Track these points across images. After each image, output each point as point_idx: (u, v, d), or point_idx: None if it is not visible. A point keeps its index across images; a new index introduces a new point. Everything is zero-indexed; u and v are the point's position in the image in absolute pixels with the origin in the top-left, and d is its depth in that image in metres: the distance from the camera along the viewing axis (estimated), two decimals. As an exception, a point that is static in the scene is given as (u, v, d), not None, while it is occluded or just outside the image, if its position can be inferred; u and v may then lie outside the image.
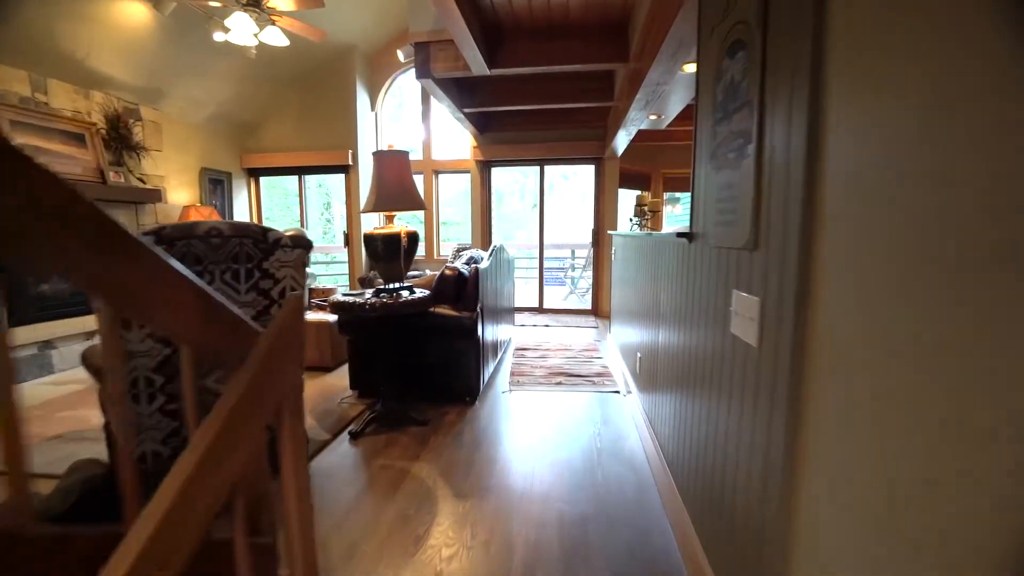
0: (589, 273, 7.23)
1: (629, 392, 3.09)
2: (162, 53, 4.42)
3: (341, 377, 3.46)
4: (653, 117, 4.12)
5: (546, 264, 6.51)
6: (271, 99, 6.05)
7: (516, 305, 5.89)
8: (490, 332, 3.44)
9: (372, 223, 2.62)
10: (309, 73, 6.02)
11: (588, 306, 6.41)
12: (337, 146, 6.13)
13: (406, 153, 2.43)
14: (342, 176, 6.31)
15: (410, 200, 2.39)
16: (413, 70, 3.95)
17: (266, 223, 6.85)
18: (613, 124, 4.96)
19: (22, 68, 3.82)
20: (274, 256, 1.87)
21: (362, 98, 6.25)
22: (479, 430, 2.65)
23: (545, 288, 6.46)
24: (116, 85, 4.43)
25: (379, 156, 2.36)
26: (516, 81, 4.89)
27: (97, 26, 3.87)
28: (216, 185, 5.76)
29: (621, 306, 3.89)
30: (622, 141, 4.95)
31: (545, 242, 6.35)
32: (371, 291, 2.52)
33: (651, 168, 7.67)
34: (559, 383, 3.41)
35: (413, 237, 2.49)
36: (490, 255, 3.41)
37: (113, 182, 4.34)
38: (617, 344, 4.15)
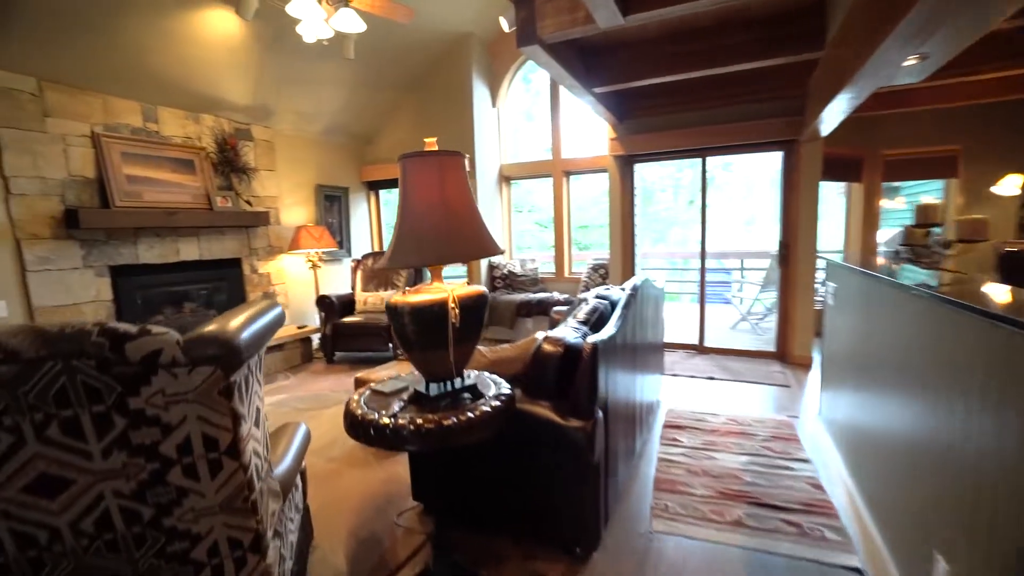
0: (771, 293, 5.42)
1: (889, 582, 1.60)
2: (261, 65, 4.07)
3: (416, 463, 2.57)
4: (912, 61, 2.44)
5: (706, 276, 4.92)
6: (387, 105, 5.55)
7: (667, 340, 4.46)
8: (623, 419, 2.21)
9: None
10: (423, 72, 5.38)
11: (771, 345, 4.67)
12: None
13: (457, 157, 1.36)
14: (461, 185, 5.55)
15: (464, 245, 1.31)
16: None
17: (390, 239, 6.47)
18: (823, 87, 3.28)
19: (134, 99, 3.71)
20: (151, 386, 0.94)
21: (481, 93, 5.42)
22: (590, 646, 1.47)
23: (705, 307, 4.84)
24: (224, 106, 4.21)
25: (405, 164, 1.33)
26: (665, 40, 3.52)
27: (191, 45, 3.57)
28: (332, 202, 5.45)
29: (850, 373, 2.33)
30: (836, 112, 3.24)
31: (708, 251, 4.76)
32: (407, 392, 1.50)
33: (862, 150, 5.49)
34: (738, 521, 2.03)
35: (474, 304, 1.41)
36: (623, 307, 2.17)
37: (220, 207, 4.12)
38: (830, 427, 2.56)
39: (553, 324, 3.84)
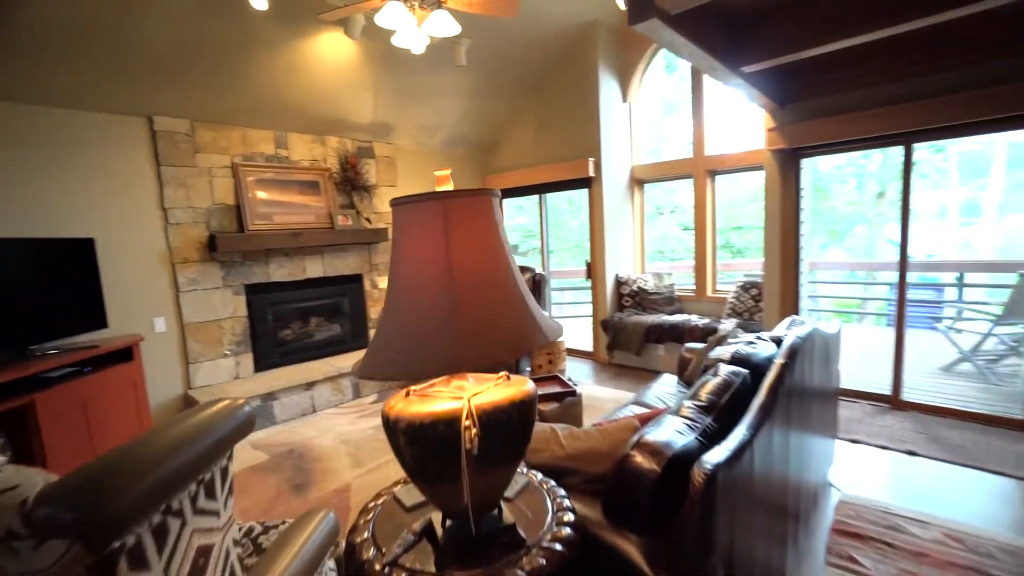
0: (1018, 328, 3.88)
1: None
2: (377, 83, 4.05)
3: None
4: None
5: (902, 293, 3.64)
6: (507, 111, 5.27)
7: (843, 386, 3.36)
8: (765, 522, 1.52)
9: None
10: (543, 71, 4.97)
11: (1016, 407, 3.27)
12: (576, 155, 4.89)
13: (478, 199, 0.90)
14: (586, 192, 5.03)
15: (479, 341, 0.85)
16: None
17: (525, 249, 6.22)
18: None
19: (267, 128, 3.96)
20: (-18, 570, 0.66)
21: (610, 88, 4.83)
22: None
23: (904, 340, 3.56)
24: (347, 126, 4.31)
25: (395, 216, 0.91)
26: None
27: (311, 72, 3.66)
28: (452, 215, 5.35)
29: None
30: None
31: (909, 261, 3.51)
32: (415, 532, 1.09)
33: None
34: None
35: (508, 418, 0.94)
36: (769, 392, 1.47)
37: (340, 226, 4.23)
38: None
39: (683, 365, 3.13)
